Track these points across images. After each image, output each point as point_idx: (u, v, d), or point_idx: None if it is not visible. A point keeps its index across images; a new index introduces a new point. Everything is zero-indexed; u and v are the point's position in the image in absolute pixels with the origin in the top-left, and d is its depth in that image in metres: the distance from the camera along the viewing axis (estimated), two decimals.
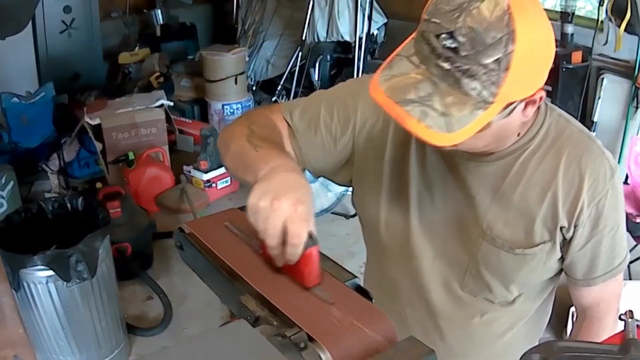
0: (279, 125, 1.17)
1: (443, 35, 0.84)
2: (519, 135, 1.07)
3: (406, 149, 1.16)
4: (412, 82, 0.87)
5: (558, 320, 2.57)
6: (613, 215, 1.09)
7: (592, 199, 1.06)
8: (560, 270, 1.19)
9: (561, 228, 1.09)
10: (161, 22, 5.53)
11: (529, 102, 0.94)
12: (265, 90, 5.37)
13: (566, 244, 1.11)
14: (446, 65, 0.85)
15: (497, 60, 0.83)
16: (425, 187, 1.15)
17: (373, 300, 0.83)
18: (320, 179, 3.73)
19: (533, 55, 0.86)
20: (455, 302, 1.21)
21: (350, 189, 1.28)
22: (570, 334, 1.30)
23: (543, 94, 0.94)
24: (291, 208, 0.80)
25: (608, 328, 1.20)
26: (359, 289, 0.85)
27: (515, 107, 0.91)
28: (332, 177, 1.26)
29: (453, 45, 0.83)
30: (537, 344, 1.34)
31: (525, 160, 1.08)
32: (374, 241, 1.28)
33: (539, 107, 1.08)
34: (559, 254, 1.13)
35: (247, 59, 4.99)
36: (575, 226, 1.08)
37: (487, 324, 1.23)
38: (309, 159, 1.18)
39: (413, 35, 0.92)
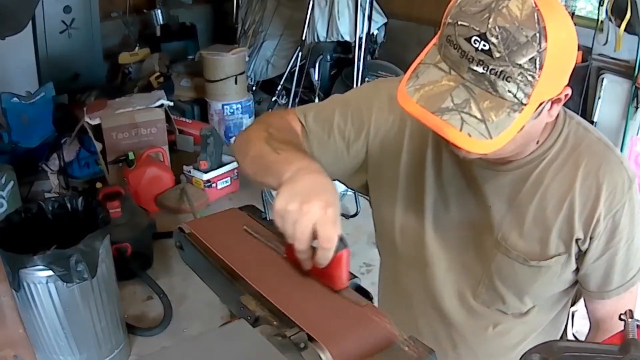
0: (294, 126, 1.15)
1: (474, 38, 0.81)
2: (537, 142, 1.05)
3: (422, 155, 1.13)
4: (445, 89, 0.84)
5: None
6: (629, 227, 1.06)
7: (609, 211, 1.04)
8: (575, 282, 1.17)
9: (577, 240, 1.07)
10: (161, 22, 5.53)
11: (554, 100, 0.92)
12: (265, 90, 5.36)
13: (581, 255, 1.09)
14: (480, 69, 0.82)
15: (532, 59, 0.81)
16: (441, 195, 1.13)
17: (373, 300, 0.83)
18: None
19: (563, 51, 0.84)
20: (468, 312, 1.19)
21: (356, 191, 1.28)
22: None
23: (569, 91, 0.92)
24: (321, 211, 0.79)
25: None
26: (359, 289, 0.85)
27: (544, 107, 0.90)
28: (345, 182, 1.24)
29: (486, 47, 0.81)
30: None
31: (543, 170, 1.05)
32: (389, 248, 1.26)
33: (557, 115, 1.07)
34: (574, 266, 1.10)
35: (247, 59, 4.99)
36: (591, 238, 1.06)
37: (500, 335, 1.21)
38: (320, 162, 1.13)
39: (434, 41, 0.90)
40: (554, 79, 0.86)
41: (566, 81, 0.90)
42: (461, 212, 1.13)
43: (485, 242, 1.12)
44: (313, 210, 0.79)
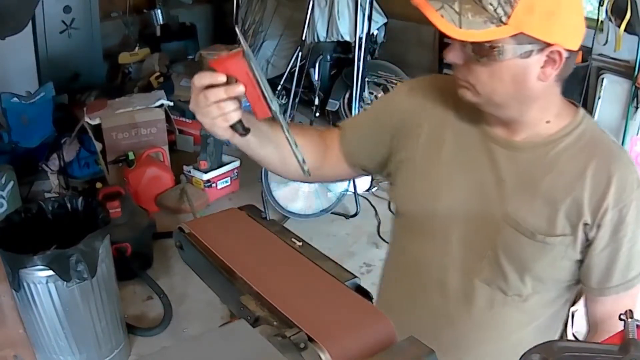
0: (327, 131, 1.34)
1: None
2: (548, 122, 1.13)
3: (441, 132, 1.21)
4: None
5: None
6: (634, 226, 1.11)
7: (617, 203, 1.09)
8: (576, 283, 1.20)
9: (585, 225, 1.11)
10: (161, 22, 5.53)
11: (548, 60, 1.01)
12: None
13: (587, 245, 1.13)
14: None
15: None
16: (458, 168, 1.20)
17: (373, 301, 0.83)
18: None
19: None
20: (468, 288, 1.22)
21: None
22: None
23: (563, 52, 1.00)
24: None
25: None
26: (359, 289, 0.85)
27: (531, 52, 0.99)
28: (371, 168, 1.34)
29: None
30: None
31: (559, 152, 1.13)
32: (402, 222, 1.33)
33: (577, 108, 1.15)
34: (577, 255, 1.14)
35: None
36: (598, 226, 1.11)
37: (497, 319, 1.23)
38: (352, 147, 1.30)
39: None
40: (537, 14, 0.96)
41: (557, 37, 0.99)
42: (475, 184, 1.18)
43: (495, 215, 1.16)
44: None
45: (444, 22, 0.98)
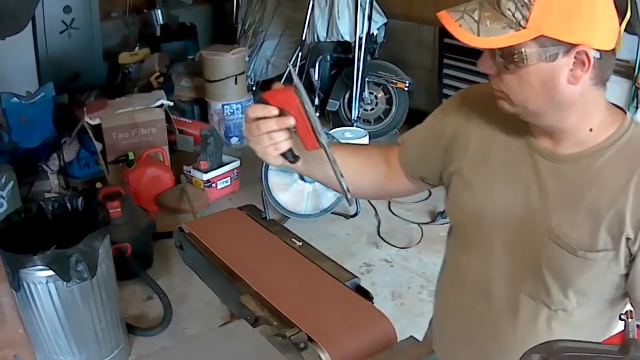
0: (388, 147, 1.37)
1: None
2: (591, 130, 1.09)
3: (488, 144, 1.21)
4: (464, 2, 1.03)
5: None
6: None
7: None
8: (623, 295, 1.18)
9: (627, 239, 1.08)
10: (161, 22, 5.53)
11: (576, 62, 0.98)
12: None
13: (631, 259, 1.10)
14: None
15: None
16: (503, 179, 1.19)
17: (373, 301, 0.83)
18: None
19: None
20: (513, 301, 1.22)
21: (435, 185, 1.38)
22: None
23: (591, 53, 0.97)
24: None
25: None
26: (359, 289, 0.85)
27: (557, 55, 0.97)
28: (429, 178, 1.34)
29: None
30: None
31: (603, 163, 1.09)
32: (452, 232, 1.34)
33: (624, 113, 1.11)
34: (622, 269, 1.11)
35: (247, 59, 4.99)
36: None
37: (542, 331, 1.22)
38: (409, 158, 1.32)
39: None
40: (556, 14, 0.94)
41: (577, 32, 0.96)
42: (520, 196, 1.17)
43: (538, 229, 1.15)
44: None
45: (462, 31, 0.99)
